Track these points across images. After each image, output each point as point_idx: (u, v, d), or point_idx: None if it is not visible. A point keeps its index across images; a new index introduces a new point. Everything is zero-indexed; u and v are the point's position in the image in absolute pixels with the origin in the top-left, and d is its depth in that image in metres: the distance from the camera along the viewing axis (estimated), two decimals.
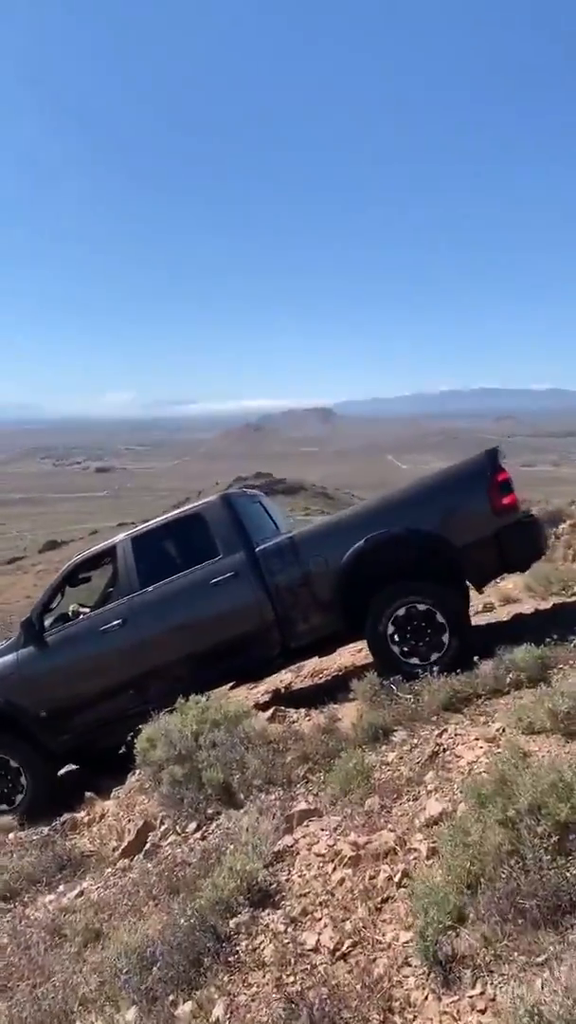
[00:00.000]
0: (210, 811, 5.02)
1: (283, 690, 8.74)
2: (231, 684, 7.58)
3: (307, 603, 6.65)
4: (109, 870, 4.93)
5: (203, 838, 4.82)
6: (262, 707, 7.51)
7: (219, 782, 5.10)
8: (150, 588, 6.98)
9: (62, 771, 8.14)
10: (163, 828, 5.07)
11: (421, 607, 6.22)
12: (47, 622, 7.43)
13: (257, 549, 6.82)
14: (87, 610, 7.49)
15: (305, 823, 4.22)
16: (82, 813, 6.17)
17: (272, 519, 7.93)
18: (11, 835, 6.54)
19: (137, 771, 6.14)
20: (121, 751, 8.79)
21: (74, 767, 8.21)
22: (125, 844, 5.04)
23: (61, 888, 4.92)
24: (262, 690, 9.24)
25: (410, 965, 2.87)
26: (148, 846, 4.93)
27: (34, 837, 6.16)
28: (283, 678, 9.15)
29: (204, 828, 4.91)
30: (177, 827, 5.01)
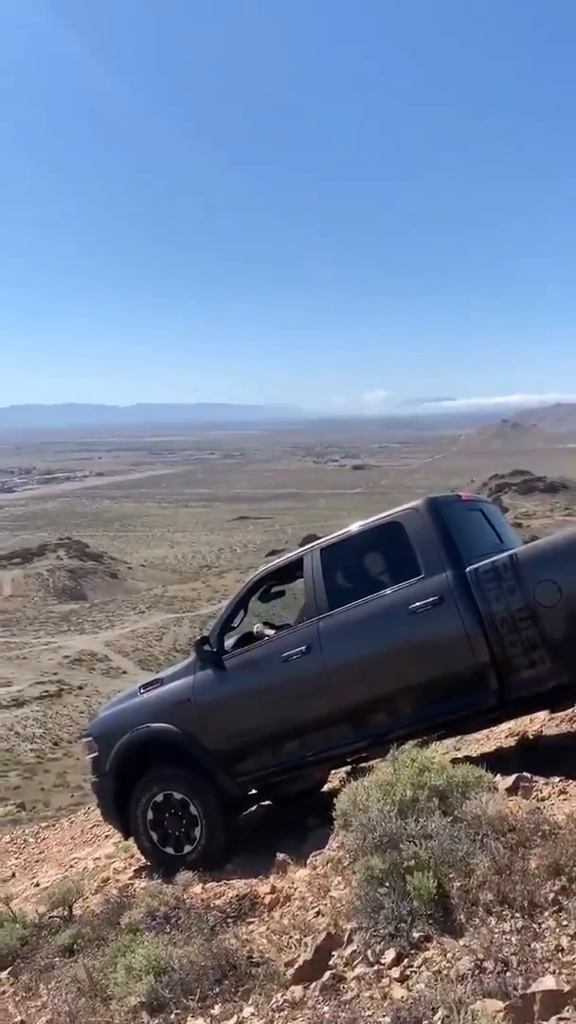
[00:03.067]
0: (416, 934, 3.58)
1: (531, 736, 7.02)
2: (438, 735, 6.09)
3: (534, 641, 5.13)
4: (277, 997, 3.66)
5: (402, 979, 3.39)
6: (501, 758, 5.92)
7: (430, 894, 3.66)
8: (338, 610, 5.76)
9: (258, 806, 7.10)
10: (351, 949, 3.70)
11: None
12: (229, 642, 6.40)
13: (468, 569, 5.36)
14: (272, 631, 6.37)
15: (552, 1020, 2.64)
16: (266, 887, 4.97)
17: (496, 531, 6.34)
18: (196, 889, 5.54)
19: (339, 836, 4.89)
20: (325, 788, 7.59)
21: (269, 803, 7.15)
22: (300, 963, 3.74)
23: (216, 1011, 3.73)
24: (505, 730, 7.57)
25: None
26: (328, 976, 3.58)
27: (214, 904, 5.09)
28: (533, 715, 7.42)
29: (406, 961, 3.49)
30: (370, 951, 3.62)
